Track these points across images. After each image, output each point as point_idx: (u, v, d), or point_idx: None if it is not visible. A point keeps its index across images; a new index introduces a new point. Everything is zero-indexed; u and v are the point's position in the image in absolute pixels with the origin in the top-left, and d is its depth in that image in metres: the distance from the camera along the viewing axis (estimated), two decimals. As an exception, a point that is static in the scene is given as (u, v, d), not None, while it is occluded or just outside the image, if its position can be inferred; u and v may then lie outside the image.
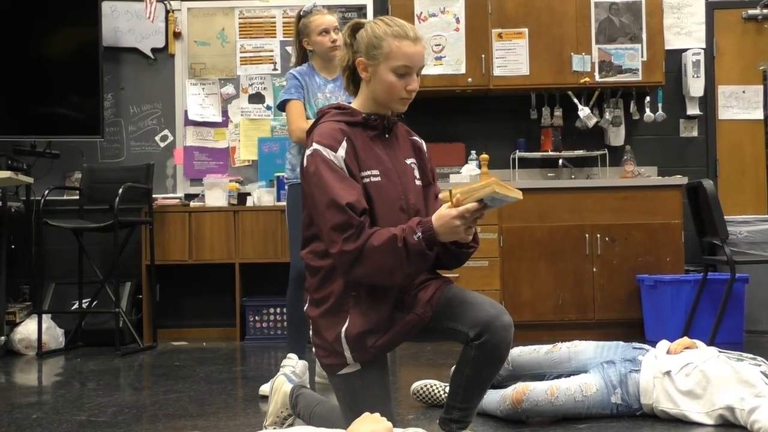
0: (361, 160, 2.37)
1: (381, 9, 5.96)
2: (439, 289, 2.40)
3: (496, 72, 5.73)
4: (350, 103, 2.51)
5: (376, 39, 2.37)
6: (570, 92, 5.85)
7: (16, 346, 5.22)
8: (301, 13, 3.86)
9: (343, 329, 2.34)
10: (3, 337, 5.14)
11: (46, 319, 5.27)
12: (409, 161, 2.50)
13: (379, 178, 2.38)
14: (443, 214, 2.23)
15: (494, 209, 2.29)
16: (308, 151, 2.37)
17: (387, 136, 2.47)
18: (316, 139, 2.37)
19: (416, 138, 2.59)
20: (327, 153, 2.33)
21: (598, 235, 5.40)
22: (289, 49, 5.88)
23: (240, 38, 6.10)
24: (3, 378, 4.51)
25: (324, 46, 3.80)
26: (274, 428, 2.70)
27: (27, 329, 5.23)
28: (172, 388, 3.90)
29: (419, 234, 2.22)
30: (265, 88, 6.09)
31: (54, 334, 5.30)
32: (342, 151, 2.34)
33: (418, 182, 2.49)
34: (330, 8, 3.96)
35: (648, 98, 5.90)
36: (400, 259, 2.23)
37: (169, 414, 3.31)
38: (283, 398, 2.70)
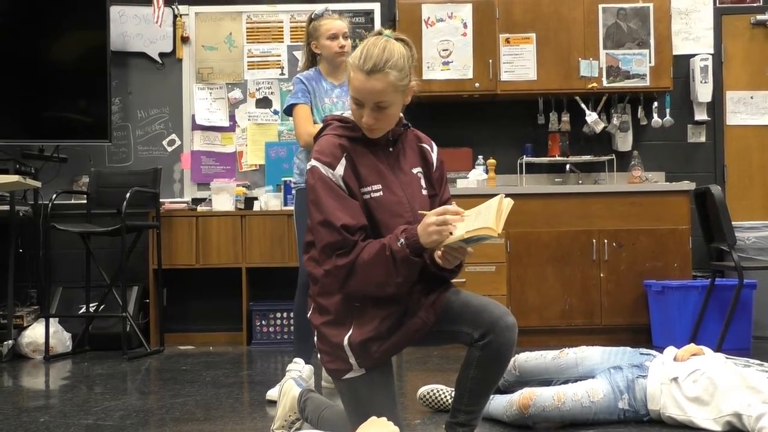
0: (362, 177, 2.35)
1: (388, 15, 5.96)
2: (442, 293, 2.40)
3: (504, 77, 5.73)
4: None
5: (349, 64, 2.35)
6: (577, 97, 5.84)
7: (23, 350, 5.23)
8: (313, 16, 3.86)
9: (347, 337, 2.34)
10: (10, 341, 5.15)
11: (54, 323, 5.28)
12: (415, 170, 2.47)
13: (380, 193, 2.35)
14: (424, 219, 2.24)
15: (476, 244, 2.28)
16: (308, 165, 2.37)
17: (391, 149, 2.44)
18: (314, 156, 2.36)
19: (424, 144, 2.54)
20: (325, 170, 2.31)
21: (606, 241, 5.39)
22: (297, 53, 5.89)
23: (247, 43, 6.11)
24: (11, 382, 4.52)
25: (331, 51, 3.80)
26: (281, 432, 2.70)
27: (34, 333, 5.24)
28: (179, 392, 3.91)
29: (402, 240, 2.22)
30: (272, 93, 6.10)
31: (61, 338, 5.31)
32: (341, 169, 2.32)
33: (425, 192, 2.47)
34: (339, 13, 3.96)
35: (656, 104, 5.89)
36: (388, 267, 2.23)
37: (176, 418, 3.31)
38: (292, 402, 2.70)
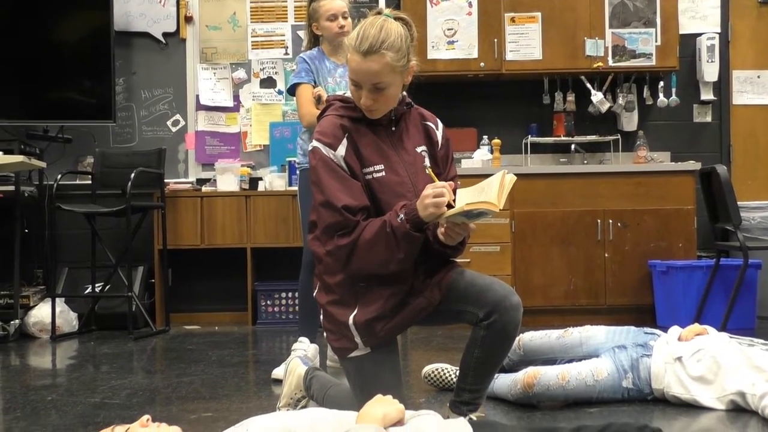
0: (364, 157, 2.35)
1: (393, -7, 5.93)
2: (447, 273, 2.41)
3: (509, 56, 5.70)
4: None
5: (346, 45, 2.35)
6: (583, 77, 5.81)
7: (30, 330, 5.26)
8: None
9: (352, 316, 2.35)
10: (17, 321, 5.18)
11: (60, 302, 5.30)
12: (420, 149, 2.47)
13: (383, 173, 2.36)
14: (423, 192, 2.23)
15: (478, 221, 2.27)
16: (310, 146, 2.38)
17: (394, 128, 2.44)
18: (316, 136, 2.36)
19: (429, 123, 2.53)
20: (326, 151, 2.32)
21: (611, 221, 5.38)
22: (301, 33, 5.86)
23: (251, 22, 6.09)
24: (18, 361, 4.55)
25: (331, 32, 3.79)
26: (288, 410, 2.71)
27: (41, 313, 5.27)
28: (185, 371, 3.93)
29: (402, 216, 2.23)
30: (276, 73, 6.08)
31: (67, 318, 5.34)
32: (342, 149, 2.33)
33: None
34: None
35: (662, 83, 5.86)
36: (389, 244, 2.24)
37: (182, 396, 3.33)
38: (297, 380, 2.72)
